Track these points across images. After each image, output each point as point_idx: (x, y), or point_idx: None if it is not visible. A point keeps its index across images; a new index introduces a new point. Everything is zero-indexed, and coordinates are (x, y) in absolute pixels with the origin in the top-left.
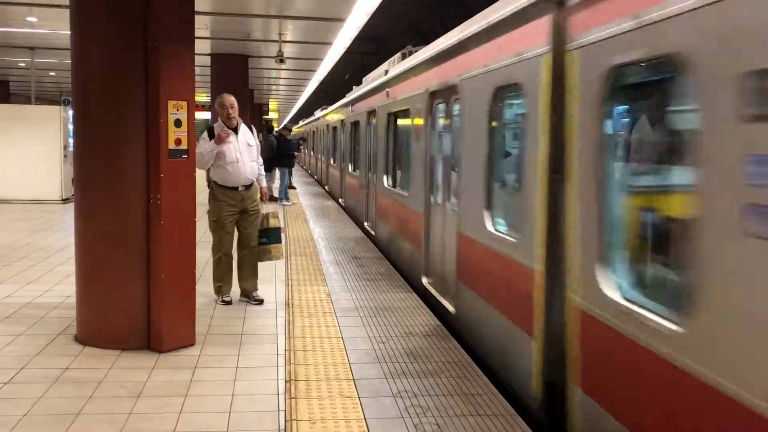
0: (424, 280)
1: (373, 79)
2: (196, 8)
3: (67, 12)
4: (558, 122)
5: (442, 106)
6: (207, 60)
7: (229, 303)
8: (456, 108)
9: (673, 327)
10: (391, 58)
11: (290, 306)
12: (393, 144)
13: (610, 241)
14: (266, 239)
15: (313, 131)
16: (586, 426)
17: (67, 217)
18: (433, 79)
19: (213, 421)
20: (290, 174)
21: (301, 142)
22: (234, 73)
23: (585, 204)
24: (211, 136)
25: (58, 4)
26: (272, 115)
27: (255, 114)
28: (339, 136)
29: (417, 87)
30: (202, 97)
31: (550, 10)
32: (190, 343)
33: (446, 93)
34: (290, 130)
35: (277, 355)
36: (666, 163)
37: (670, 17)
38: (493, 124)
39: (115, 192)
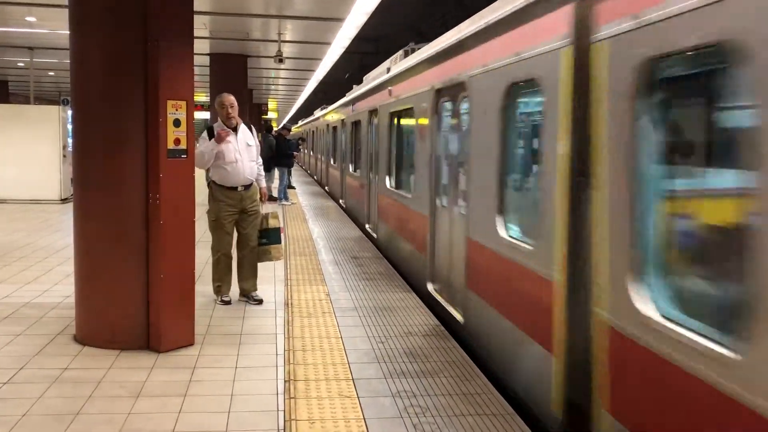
0: (430, 287)
1: (374, 77)
2: (195, 8)
3: (66, 12)
4: (581, 120)
5: (448, 105)
6: (206, 60)
7: (228, 303)
8: (464, 106)
9: (730, 354)
10: (393, 56)
11: (289, 306)
12: (396, 144)
13: (645, 251)
14: (266, 240)
15: (313, 131)
16: None
17: (66, 217)
18: (439, 76)
19: (212, 421)
20: (289, 174)
21: (300, 141)
22: (233, 72)
23: (615, 209)
24: (211, 135)
25: (57, 3)
26: (271, 114)
27: (254, 114)
28: (339, 136)
29: (422, 85)
30: (202, 97)
31: (571, 0)
32: (190, 343)
33: (453, 90)
34: (289, 130)
35: (277, 355)
36: (715, 164)
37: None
38: (506, 122)
39: (114, 192)
